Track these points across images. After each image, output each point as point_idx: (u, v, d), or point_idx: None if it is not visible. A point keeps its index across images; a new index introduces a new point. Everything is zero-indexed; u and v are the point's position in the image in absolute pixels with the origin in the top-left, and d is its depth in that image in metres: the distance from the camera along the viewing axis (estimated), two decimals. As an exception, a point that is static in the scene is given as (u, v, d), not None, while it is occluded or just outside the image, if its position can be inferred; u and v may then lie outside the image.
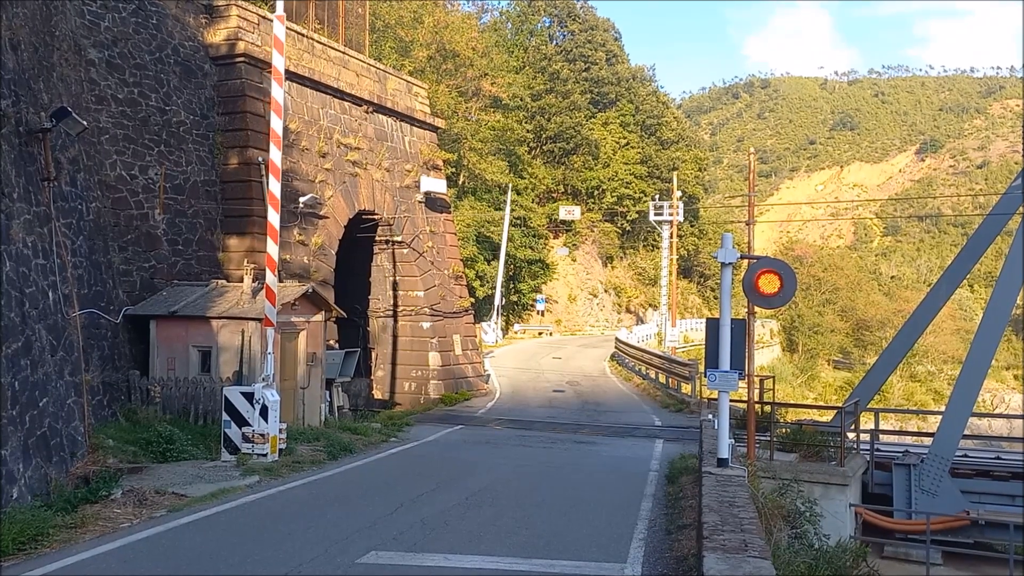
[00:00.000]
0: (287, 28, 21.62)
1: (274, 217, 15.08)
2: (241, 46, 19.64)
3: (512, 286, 58.60)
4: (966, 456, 20.61)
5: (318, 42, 22.90)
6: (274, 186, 15.11)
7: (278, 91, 15.17)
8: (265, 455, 13.41)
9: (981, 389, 21.21)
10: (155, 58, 18.28)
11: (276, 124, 15.15)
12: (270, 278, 14.88)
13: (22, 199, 10.96)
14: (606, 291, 74.83)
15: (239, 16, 20.04)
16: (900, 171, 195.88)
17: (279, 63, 15.19)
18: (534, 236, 61.91)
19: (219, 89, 19.74)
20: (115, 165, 17.15)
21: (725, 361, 10.55)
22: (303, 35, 22.31)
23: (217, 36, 19.89)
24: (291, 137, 20.87)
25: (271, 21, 21.09)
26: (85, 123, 13.49)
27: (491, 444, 17.98)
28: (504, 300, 55.02)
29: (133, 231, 17.43)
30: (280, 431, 13.87)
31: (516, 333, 58.61)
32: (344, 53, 24.01)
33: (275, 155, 15.09)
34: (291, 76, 21.15)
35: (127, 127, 17.47)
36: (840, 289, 78.98)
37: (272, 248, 15.02)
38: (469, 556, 8.57)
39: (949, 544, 18.04)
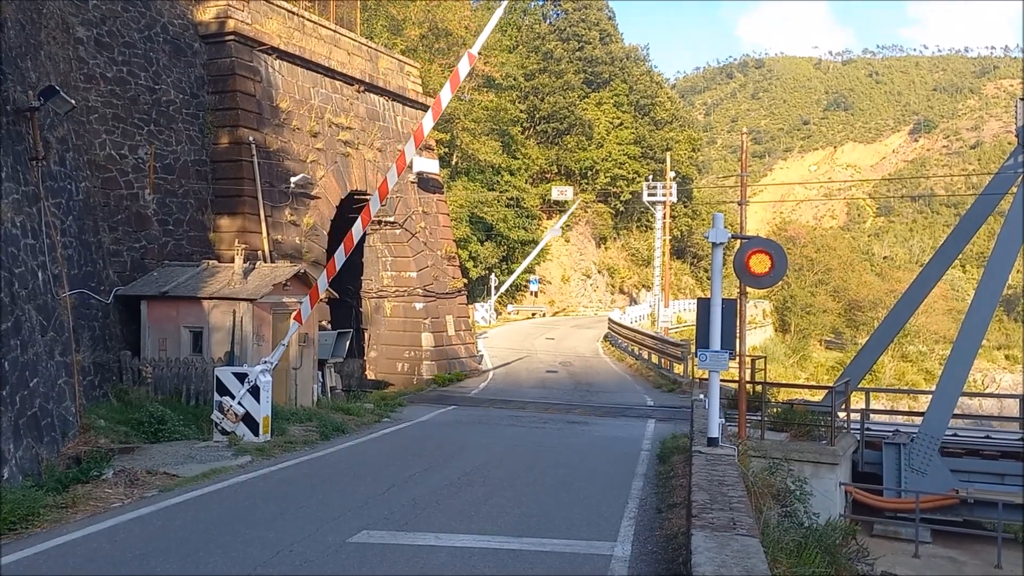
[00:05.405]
0: (277, 6, 21.50)
1: (358, 230, 14.86)
2: (231, 24, 19.45)
3: (506, 267, 58.56)
4: (956, 435, 20.74)
5: (309, 20, 22.71)
6: (374, 203, 14.92)
7: (428, 122, 15.44)
8: (233, 432, 13.38)
9: (972, 369, 21.29)
10: (144, 36, 18.09)
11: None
12: (322, 280, 15.08)
13: (10, 179, 10.88)
14: (599, 272, 74.82)
15: (229, -6, 19.83)
16: (893, 151, 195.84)
17: (445, 96, 15.17)
18: (527, 217, 61.82)
19: (209, 68, 19.56)
20: (104, 144, 17.01)
21: (715, 341, 10.58)
22: (293, 13, 22.11)
23: (206, 14, 19.68)
24: (281, 116, 20.74)
25: (260, 0, 20.96)
26: (73, 102, 13.36)
27: (484, 424, 18.02)
28: (498, 281, 55.02)
29: (123, 211, 17.31)
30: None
31: (509, 314, 58.63)
32: (335, 31, 23.81)
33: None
34: (281, 54, 21.00)
35: (116, 106, 17.31)
36: (833, 269, 79.18)
37: (340, 257, 14.87)
38: (460, 535, 8.61)
39: (938, 523, 18.20)
